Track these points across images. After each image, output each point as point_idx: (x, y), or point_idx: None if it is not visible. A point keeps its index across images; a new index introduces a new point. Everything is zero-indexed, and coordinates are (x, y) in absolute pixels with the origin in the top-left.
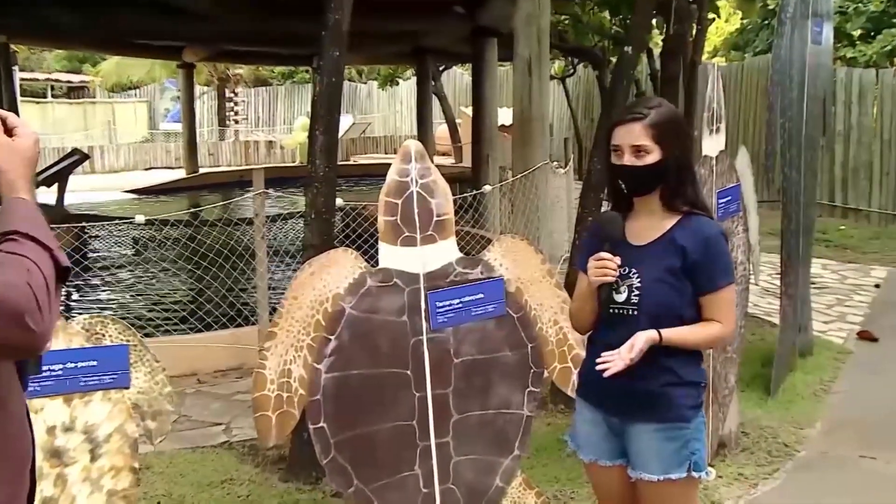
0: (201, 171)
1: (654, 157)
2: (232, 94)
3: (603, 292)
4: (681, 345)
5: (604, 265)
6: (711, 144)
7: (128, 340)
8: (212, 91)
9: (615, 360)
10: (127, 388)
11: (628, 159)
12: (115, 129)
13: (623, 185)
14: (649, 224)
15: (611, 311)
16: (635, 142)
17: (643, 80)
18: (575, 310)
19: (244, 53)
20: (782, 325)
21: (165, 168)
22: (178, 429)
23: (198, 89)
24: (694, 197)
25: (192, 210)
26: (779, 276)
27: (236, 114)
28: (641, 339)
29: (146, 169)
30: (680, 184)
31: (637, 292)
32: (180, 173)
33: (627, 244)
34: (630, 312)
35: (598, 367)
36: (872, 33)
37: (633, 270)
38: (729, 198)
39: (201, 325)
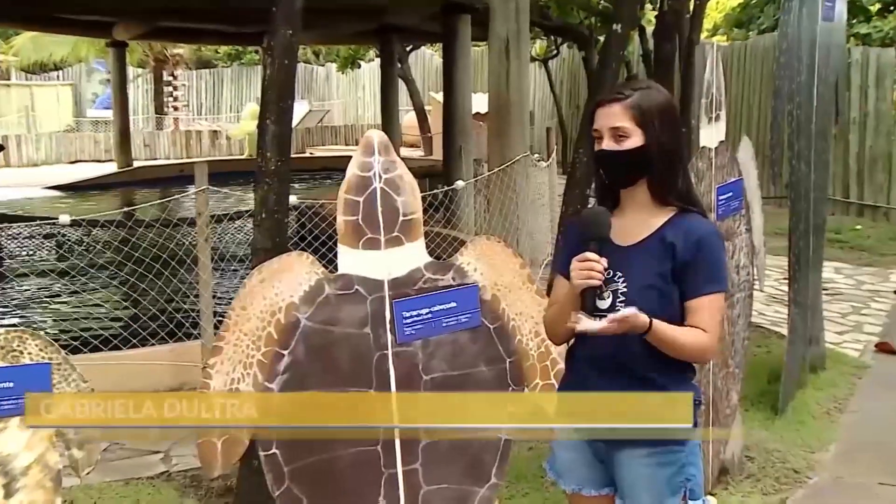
0: (135, 164)
1: (634, 141)
2: (170, 78)
3: (586, 298)
4: (667, 343)
5: (589, 266)
6: (710, 134)
7: (50, 358)
8: (147, 74)
9: (589, 323)
10: None
11: (607, 143)
12: (34, 117)
13: (603, 174)
14: (636, 221)
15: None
16: (614, 123)
17: (635, 62)
18: (551, 318)
19: (184, 31)
20: (791, 337)
21: (94, 161)
22: (108, 458)
23: (131, 71)
24: (685, 190)
25: (125, 209)
26: (786, 281)
27: (176, 100)
28: (632, 312)
29: (71, 162)
30: (669, 175)
31: (623, 298)
32: (111, 167)
33: (612, 244)
34: None
35: (569, 324)
36: (892, 7)
37: (619, 274)
38: (730, 194)
39: (136, 340)
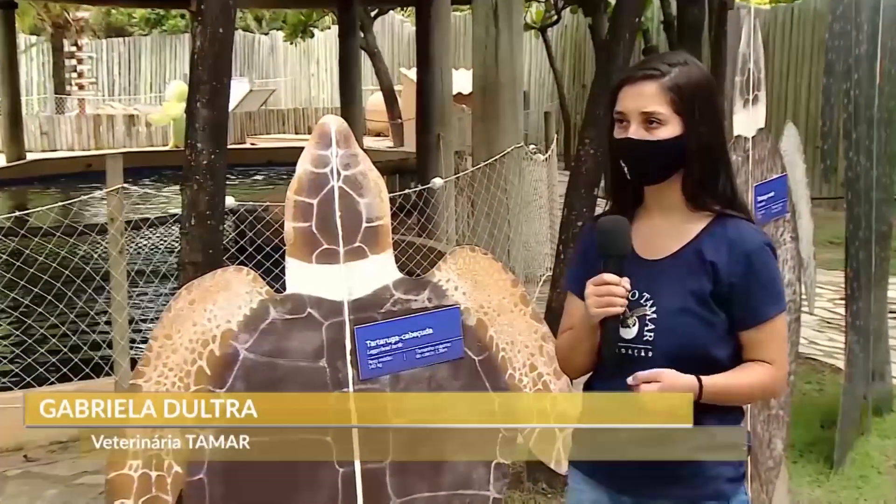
0: (29, 157)
1: (669, 130)
2: (73, 48)
3: (607, 329)
4: (727, 398)
5: (609, 291)
6: (747, 120)
7: None
8: (43, 43)
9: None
10: None
11: (635, 131)
12: None
13: (625, 167)
14: (665, 229)
15: (616, 351)
16: (646, 107)
17: (654, 31)
18: (564, 347)
19: None
20: (849, 371)
21: None
22: None
23: (22, 40)
24: (729, 194)
25: (15, 214)
26: (843, 302)
27: (80, 76)
28: (669, 380)
29: None
30: (708, 173)
31: (651, 326)
32: None
33: (636, 258)
34: (642, 353)
35: (629, 381)
36: None
37: (646, 296)
38: (771, 194)
39: (31, 378)
